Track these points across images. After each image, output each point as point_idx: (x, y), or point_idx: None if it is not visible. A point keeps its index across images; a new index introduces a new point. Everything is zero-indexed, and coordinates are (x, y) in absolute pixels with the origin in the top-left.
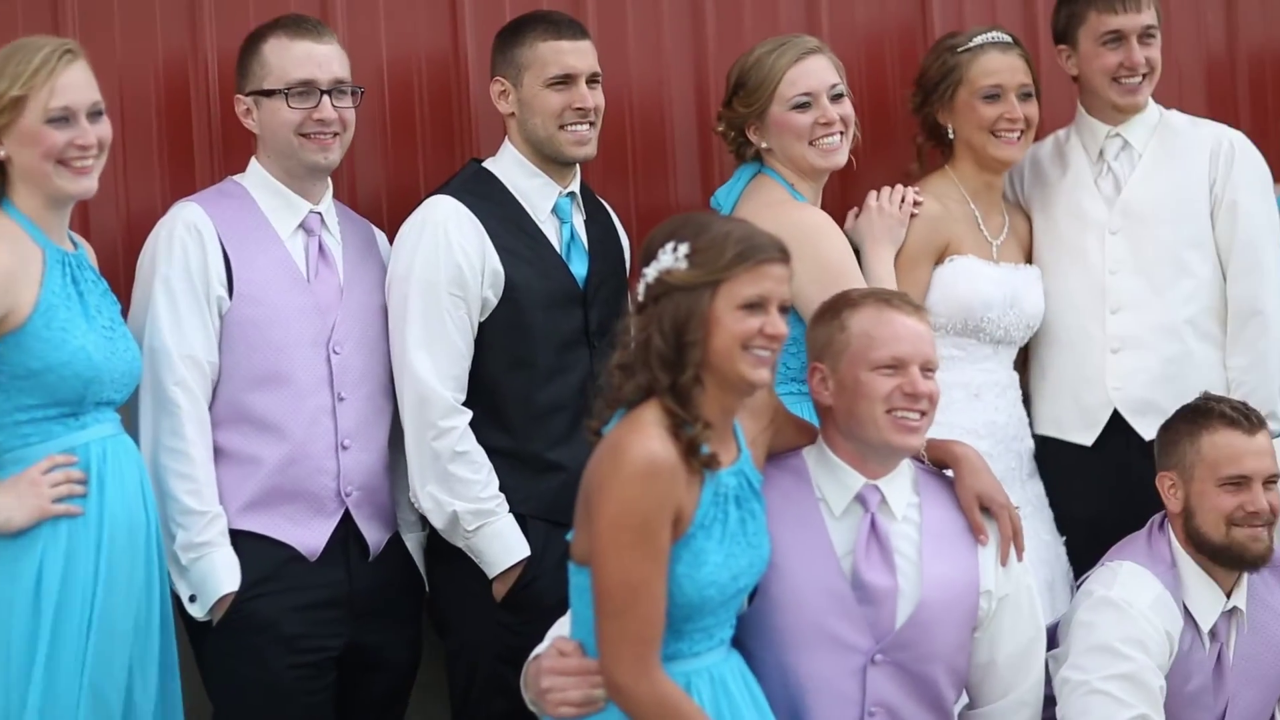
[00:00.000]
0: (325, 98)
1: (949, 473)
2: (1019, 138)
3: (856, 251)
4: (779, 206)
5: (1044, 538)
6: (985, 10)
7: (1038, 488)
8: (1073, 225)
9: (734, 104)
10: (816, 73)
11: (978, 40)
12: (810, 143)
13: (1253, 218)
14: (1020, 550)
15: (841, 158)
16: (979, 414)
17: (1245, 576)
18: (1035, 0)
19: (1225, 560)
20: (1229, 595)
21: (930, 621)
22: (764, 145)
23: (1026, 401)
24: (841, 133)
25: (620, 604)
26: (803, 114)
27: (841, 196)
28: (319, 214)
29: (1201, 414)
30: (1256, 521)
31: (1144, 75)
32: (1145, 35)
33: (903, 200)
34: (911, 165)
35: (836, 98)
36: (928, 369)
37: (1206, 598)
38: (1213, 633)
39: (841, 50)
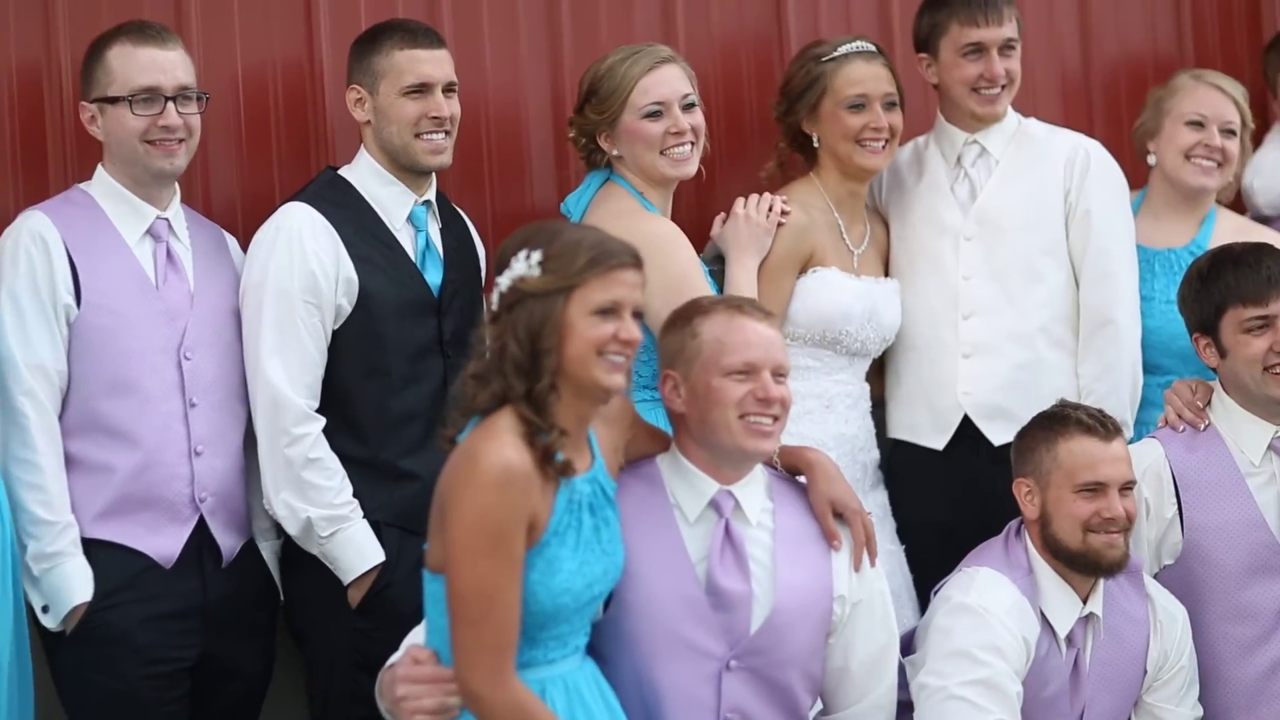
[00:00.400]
0: (170, 104)
1: (802, 479)
2: (884, 147)
3: (721, 259)
4: (628, 216)
5: (887, 547)
6: (840, 19)
7: (882, 497)
8: (928, 231)
9: (586, 111)
10: (669, 81)
11: (843, 50)
12: (661, 152)
13: (1107, 226)
14: (873, 556)
15: (692, 168)
16: (829, 425)
17: (1101, 583)
18: (890, 9)
19: (1082, 567)
20: (1085, 601)
21: (784, 627)
22: (615, 153)
23: (879, 410)
24: (692, 143)
25: (475, 612)
26: (654, 122)
27: (697, 206)
28: (166, 220)
29: (1058, 421)
30: (1113, 528)
31: (1003, 86)
32: (1006, 47)
33: (770, 209)
34: (768, 164)
35: (688, 107)
36: (779, 374)
37: (1063, 604)
38: (1069, 638)
39: (697, 60)
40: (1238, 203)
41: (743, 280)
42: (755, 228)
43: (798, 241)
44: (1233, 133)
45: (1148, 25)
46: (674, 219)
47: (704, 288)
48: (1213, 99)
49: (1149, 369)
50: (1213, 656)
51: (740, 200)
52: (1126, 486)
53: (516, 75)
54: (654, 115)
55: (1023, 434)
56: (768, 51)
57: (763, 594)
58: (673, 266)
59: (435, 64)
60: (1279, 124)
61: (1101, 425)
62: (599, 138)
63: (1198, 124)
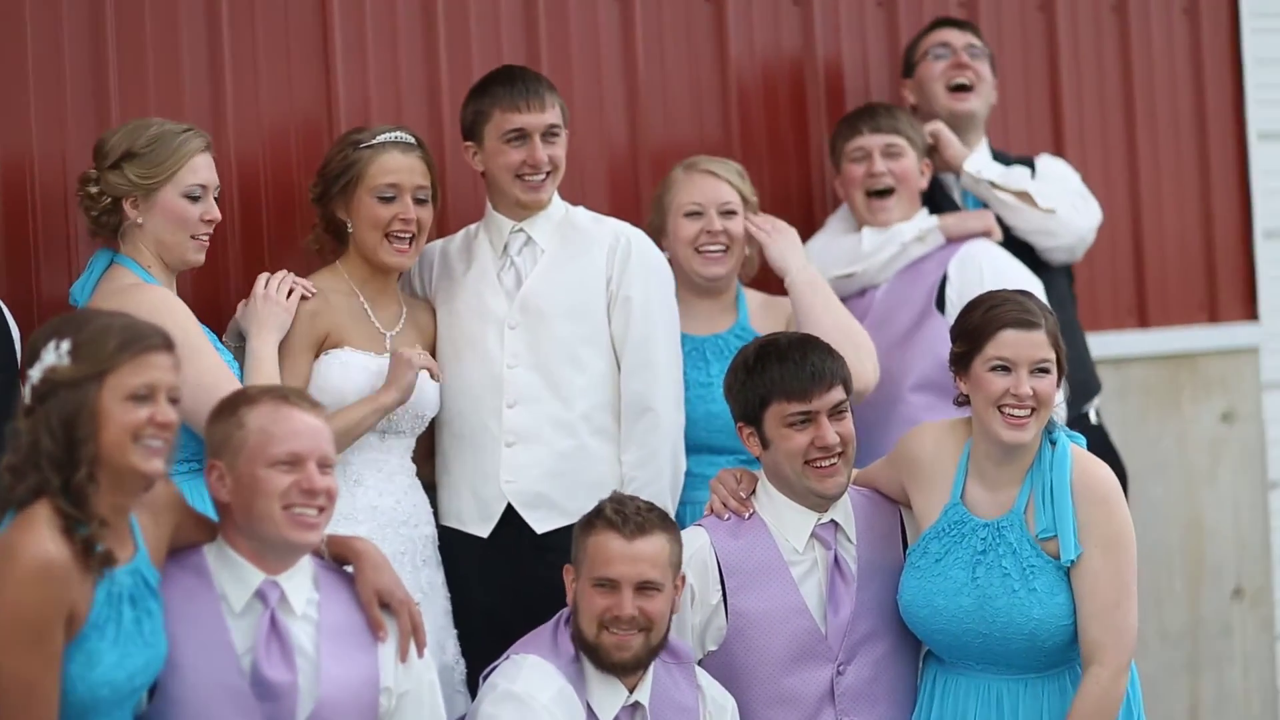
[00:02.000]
0: None
1: (350, 568)
2: (411, 242)
3: (243, 337)
4: (128, 290)
5: (437, 620)
6: (391, 106)
7: (433, 576)
8: (474, 319)
9: (126, 170)
10: (211, 168)
11: (381, 138)
12: (192, 236)
13: (646, 314)
14: (421, 647)
15: (202, 257)
16: (359, 499)
17: (650, 672)
18: (440, 98)
19: (595, 661)
20: (632, 691)
21: (330, 719)
22: (138, 221)
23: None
24: (209, 234)
25: (12, 705)
26: (194, 205)
27: (246, 287)
28: None
29: (595, 513)
30: (621, 627)
31: (548, 173)
32: (548, 134)
33: (291, 291)
34: (308, 242)
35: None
36: (325, 465)
37: (608, 693)
38: None
39: (245, 140)
40: (763, 280)
41: (264, 355)
42: (275, 306)
43: (311, 325)
44: (733, 212)
45: (695, 113)
46: (219, 299)
47: (207, 348)
48: (706, 185)
49: (715, 451)
50: None
51: (261, 279)
52: (645, 585)
53: (63, 158)
54: (194, 199)
55: (579, 522)
56: (317, 134)
57: (308, 685)
58: (174, 331)
59: None
60: (840, 210)
61: (628, 523)
62: (126, 201)
63: (696, 213)
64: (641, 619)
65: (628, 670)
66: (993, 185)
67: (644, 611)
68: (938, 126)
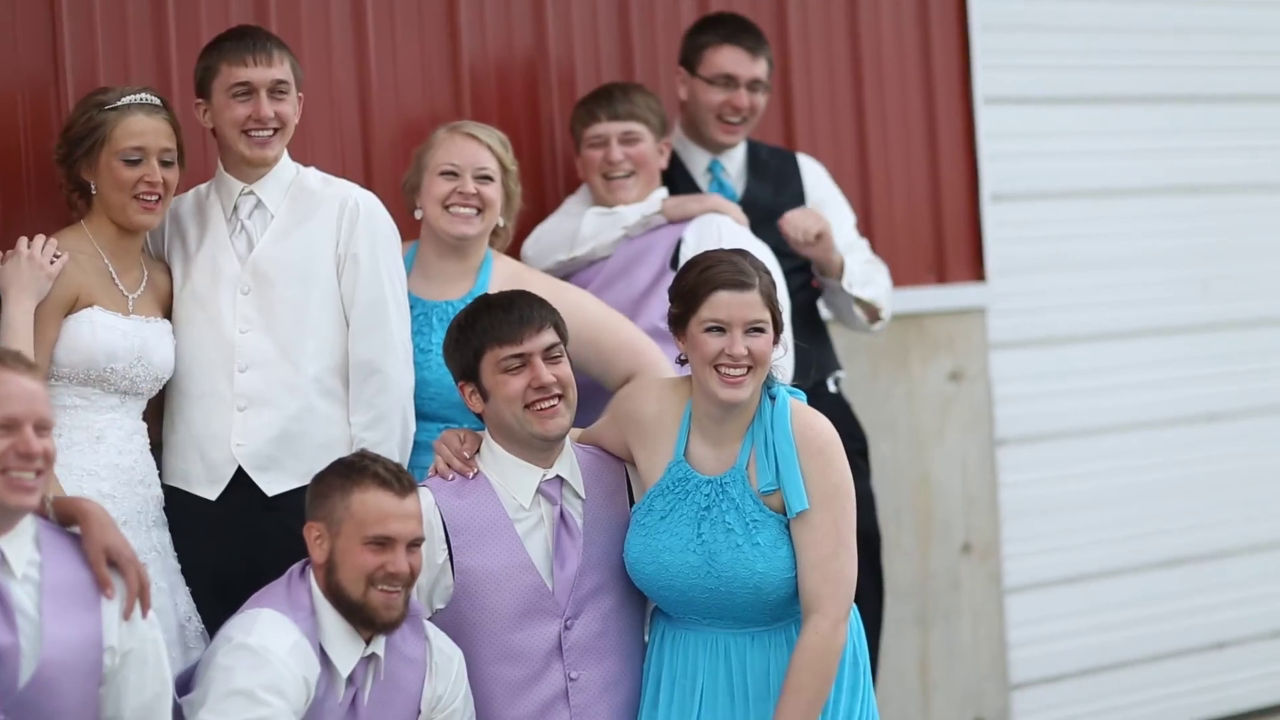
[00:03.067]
0: None
1: (76, 529)
2: (157, 202)
3: None
4: None
5: (161, 585)
6: (118, 66)
7: (163, 537)
8: (207, 282)
9: None
10: None
11: (126, 100)
12: None
13: (375, 276)
14: (146, 606)
15: None
16: (101, 456)
17: None
18: (169, 59)
19: (359, 619)
20: (368, 643)
21: (52, 680)
22: None
23: (158, 452)
24: None
25: None
26: None
27: None
28: None
29: (355, 471)
30: (395, 584)
31: (275, 130)
32: (275, 90)
33: (55, 256)
34: (73, 214)
35: None
36: (42, 427)
37: (345, 645)
38: (350, 678)
39: None
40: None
41: (20, 321)
42: (38, 269)
43: (61, 286)
44: (489, 178)
45: (426, 84)
46: None
47: None
48: (466, 148)
49: (435, 419)
50: (486, 697)
51: (23, 240)
52: (414, 543)
53: None
54: None
55: (320, 478)
56: (44, 95)
57: (30, 647)
58: None
59: None
60: (579, 192)
61: (397, 480)
62: None
63: (451, 173)
64: (408, 575)
65: (390, 629)
66: (856, 300)
67: (413, 567)
68: (825, 228)
